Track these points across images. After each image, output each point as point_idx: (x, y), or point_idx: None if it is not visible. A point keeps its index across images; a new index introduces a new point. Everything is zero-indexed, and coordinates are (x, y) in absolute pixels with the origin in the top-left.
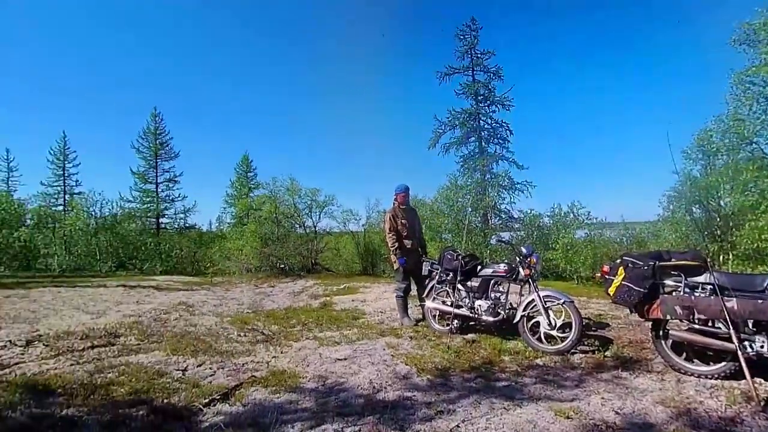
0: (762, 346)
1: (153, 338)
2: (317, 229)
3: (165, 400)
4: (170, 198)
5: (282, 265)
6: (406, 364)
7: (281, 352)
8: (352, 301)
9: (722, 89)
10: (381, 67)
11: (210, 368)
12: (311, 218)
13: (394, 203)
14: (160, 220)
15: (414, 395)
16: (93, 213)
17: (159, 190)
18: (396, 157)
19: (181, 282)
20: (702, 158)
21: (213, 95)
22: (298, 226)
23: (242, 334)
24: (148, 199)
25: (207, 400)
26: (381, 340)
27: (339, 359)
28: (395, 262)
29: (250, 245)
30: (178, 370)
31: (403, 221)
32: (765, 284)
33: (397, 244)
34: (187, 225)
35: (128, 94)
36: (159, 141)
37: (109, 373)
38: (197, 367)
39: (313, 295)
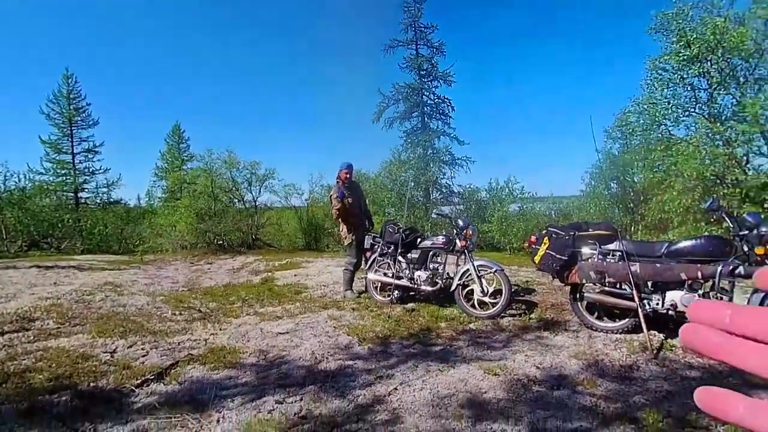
0: (657, 304)
1: (75, 321)
2: (257, 203)
3: (91, 384)
4: (90, 170)
5: (220, 242)
6: (348, 335)
7: (220, 329)
8: (295, 275)
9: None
10: (325, 38)
11: (142, 349)
12: (251, 192)
13: (337, 180)
14: (79, 194)
15: (355, 363)
16: None
17: (76, 161)
18: (340, 130)
19: (107, 261)
20: (621, 137)
21: (140, 58)
22: (236, 200)
23: (177, 312)
24: (63, 171)
25: (139, 381)
26: (323, 313)
27: (281, 333)
28: (346, 237)
29: (185, 221)
30: (105, 352)
31: (348, 199)
32: (662, 250)
33: (343, 217)
34: (111, 200)
35: (35, 53)
36: (74, 106)
37: (24, 359)
38: (127, 348)
39: (253, 271)
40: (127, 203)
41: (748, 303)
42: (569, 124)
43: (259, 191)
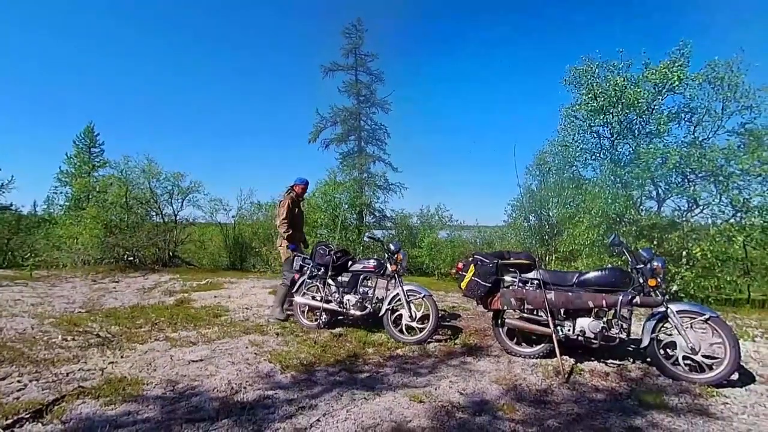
0: (569, 330)
1: None
2: (178, 218)
3: None
4: None
5: (131, 257)
6: (270, 362)
7: (121, 357)
8: (215, 297)
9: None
10: (262, 55)
11: (19, 381)
12: (172, 206)
13: (291, 192)
14: None
15: (275, 393)
16: None
17: None
18: (273, 149)
19: None
20: (539, 175)
21: (54, 47)
22: (154, 213)
23: (69, 338)
24: None
25: (10, 421)
26: (244, 338)
27: (194, 361)
28: (286, 250)
29: (89, 233)
30: None
31: (297, 212)
32: (574, 279)
33: (290, 231)
34: None
35: None
36: None
37: None
38: None
39: (167, 291)
40: (19, 209)
41: (642, 330)
42: (495, 159)
43: (182, 205)
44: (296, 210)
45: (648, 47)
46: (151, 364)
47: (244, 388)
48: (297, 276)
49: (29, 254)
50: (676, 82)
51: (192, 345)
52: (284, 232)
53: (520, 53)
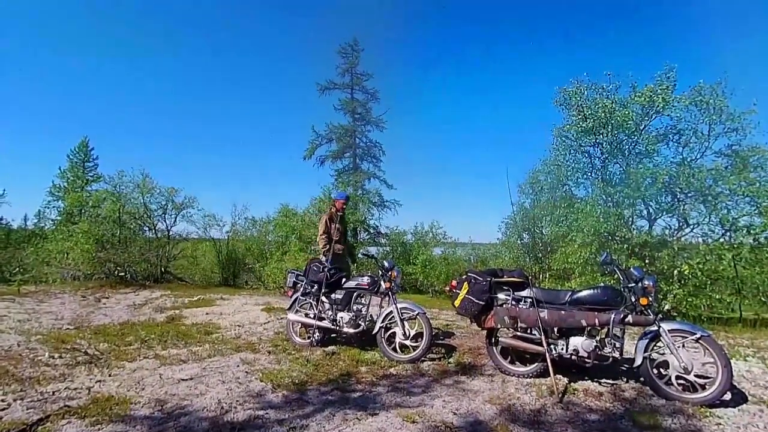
0: (562, 349)
1: None
2: (171, 233)
3: None
4: None
5: (122, 273)
6: (261, 381)
7: (109, 375)
8: (207, 314)
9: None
10: (258, 69)
11: (2, 400)
12: (165, 221)
13: (332, 208)
14: None
15: (266, 413)
16: None
17: None
18: (269, 164)
19: None
20: (532, 193)
21: (41, 60)
22: (147, 228)
23: (56, 355)
24: None
25: None
26: (236, 356)
27: (183, 379)
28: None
29: (81, 248)
30: None
31: (337, 226)
32: (566, 298)
33: (328, 247)
34: None
35: None
36: None
37: None
38: None
39: (158, 308)
40: (9, 224)
41: (635, 349)
42: (488, 177)
43: (175, 220)
44: (337, 225)
45: (654, 57)
46: (140, 382)
47: (235, 407)
48: (290, 293)
49: (17, 269)
50: (662, 105)
51: (182, 363)
52: (322, 248)
53: (517, 66)
